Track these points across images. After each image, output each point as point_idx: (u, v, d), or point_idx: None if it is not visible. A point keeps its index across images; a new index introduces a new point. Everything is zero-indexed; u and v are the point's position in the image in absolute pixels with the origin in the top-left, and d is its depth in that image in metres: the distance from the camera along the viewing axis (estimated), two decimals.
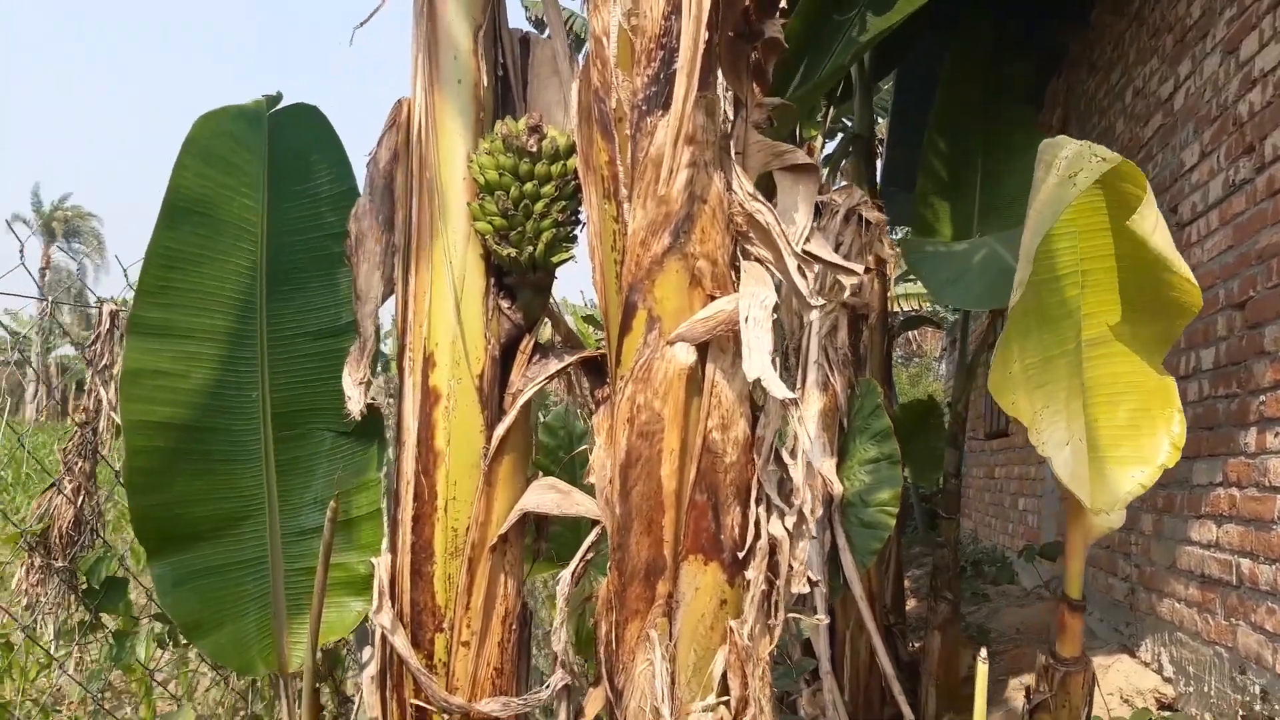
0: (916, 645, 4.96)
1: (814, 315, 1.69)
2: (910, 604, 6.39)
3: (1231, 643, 3.37)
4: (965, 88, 4.31)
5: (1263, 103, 3.32)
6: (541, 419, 4.24)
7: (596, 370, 1.92)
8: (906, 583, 5.87)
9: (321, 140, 2.25)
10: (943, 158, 4.30)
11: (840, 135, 7.51)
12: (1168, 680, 3.94)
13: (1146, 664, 4.19)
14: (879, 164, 5.29)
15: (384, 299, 1.98)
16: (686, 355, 1.64)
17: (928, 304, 11.34)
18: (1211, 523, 3.63)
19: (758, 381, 1.58)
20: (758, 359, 1.55)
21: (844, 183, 4.70)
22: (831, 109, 5.71)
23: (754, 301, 1.60)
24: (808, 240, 1.75)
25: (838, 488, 3.35)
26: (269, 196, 2.19)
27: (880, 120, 7.51)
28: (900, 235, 8.58)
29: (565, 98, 1.95)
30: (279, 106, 2.26)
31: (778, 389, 1.53)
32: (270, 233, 2.18)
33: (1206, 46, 3.85)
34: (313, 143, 2.25)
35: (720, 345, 1.67)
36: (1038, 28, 4.77)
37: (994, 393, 1.70)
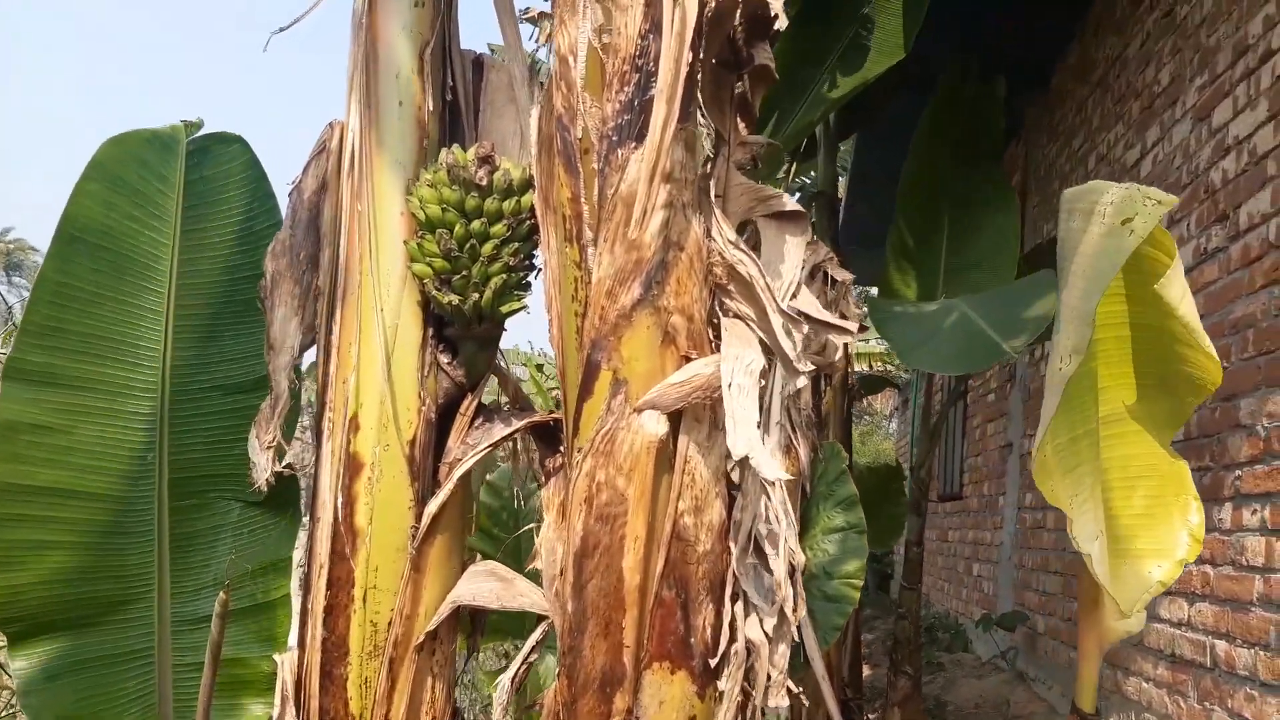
0: (872, 717, 4.75)
1: (802, 380, 1.48)
2: (865, 671, 6.17)
3: None
4: (937, 145, 4.24)
5: (1237, 170, 3.26)
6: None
7: (549, 436, 1.68)
8: (861, 648, 5.68)
9: (245, 173, 2.02)
10: (911, 216, 4.21)
11: (799, 193, 7.46)
12: None
13: None
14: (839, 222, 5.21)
15: (303, 349, 1.72)
16: (657, 425, 1.41)
17: (879, 362, 11.30)
18: (1183, 600, 3.48)
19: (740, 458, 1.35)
20: (744, 432, 1.33)
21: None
22: (795, 166, 5.64)
23: (738, 365, 1.38)
24: (794, 296, 1.54)
25: (800, 558, 3.15)
26: (182, 231, 1.95)
27: (839, 178, 7.48)
28: (858, 294, 8.54)
29: (522, 128, 1.73)
30: (199, 133, 2.02)
31: (770, 469, 1.31)
32: (181, 272, 1.93)
33: (1176, 113, 3.80)
34: (235, 175, 2.01)
35: (696, 414, 1.45)
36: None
37: (1037, 481, 1.50)
